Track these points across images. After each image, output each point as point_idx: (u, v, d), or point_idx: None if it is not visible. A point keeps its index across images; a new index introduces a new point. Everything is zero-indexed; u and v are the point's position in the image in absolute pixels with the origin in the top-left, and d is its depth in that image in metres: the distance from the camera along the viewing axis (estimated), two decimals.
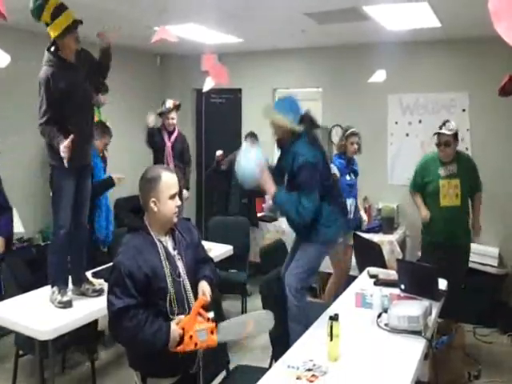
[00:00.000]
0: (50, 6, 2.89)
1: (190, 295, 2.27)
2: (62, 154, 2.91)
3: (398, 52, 5.66)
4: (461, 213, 4.19)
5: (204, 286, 2.32)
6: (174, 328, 2.11)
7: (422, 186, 4.28)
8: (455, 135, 4.11)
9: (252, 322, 2.33)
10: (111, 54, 3.28)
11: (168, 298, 2.18)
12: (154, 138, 5.31)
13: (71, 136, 2.91)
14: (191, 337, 2.10)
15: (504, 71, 4.17)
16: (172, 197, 2.24)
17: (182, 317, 2.16)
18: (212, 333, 2.14)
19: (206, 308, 2.20)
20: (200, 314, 2.16)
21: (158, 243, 2.25)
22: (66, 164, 2.93)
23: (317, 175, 3.20)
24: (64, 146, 2.89)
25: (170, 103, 5.27)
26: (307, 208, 3.13)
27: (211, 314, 2.18)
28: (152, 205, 2.23)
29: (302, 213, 3.14)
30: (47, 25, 2.95)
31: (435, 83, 5.66)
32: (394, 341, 2.61)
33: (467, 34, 5.16)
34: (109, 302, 2.14)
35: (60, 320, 2.93)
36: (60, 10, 2.92)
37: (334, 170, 4.38)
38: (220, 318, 2.73)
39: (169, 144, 5.27)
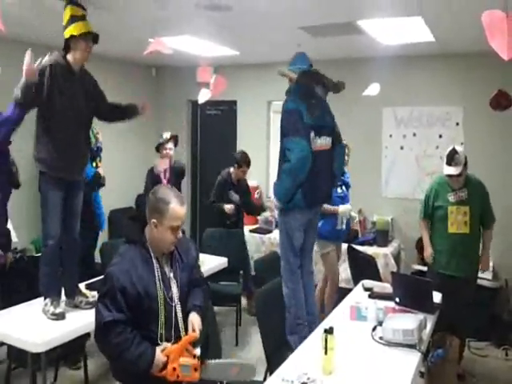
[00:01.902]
0: (73, 9, 3.02)
1: (181, 321, 2.26)
2: (24, 74, 2.78)
3: (393, 65, 5.70)
4: (470, 241, 4.00)
5: (194, 320, 2.28)
6: (159, 354, 2.11)
7: (432, 211, 4.10)
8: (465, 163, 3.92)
9: (237, 369, 2.31)
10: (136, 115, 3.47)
11: (159, 321, 2.16)
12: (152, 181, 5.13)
13: (29, 52, 2.77)
14: (174, 369, 2.12)
15: (498, 85, 4.22)
16: (174, 228, 2.20)
17: (169, 345, 2.15)
18: (195, 370, 2.15)
19: (194, 343, 2.20)
20: (187, 350, 2.16)
21: (154, 261, 2.22)
22: (24, 68, 2.76)
23: (299, 121, 3.22)
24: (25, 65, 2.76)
25: (167, 134, 5.26)
26: (292, 152, 3.18)
27: (198, 351, 2.18)
28: (152, 225, 2.20)
29: (289, 162, 3.20)
30: (64, 24, 3.04)
31: (430, 97, 5.71)
32: (389, 354, 2.60)
33: (461, 49, 5.22)
34: (98, 311, 2.12)
35: (53, 332, 2.89)
36: (81, 18, 3.05)
37: None
38: (214, 334, 2.73)
39: (164, 182, 5.10)
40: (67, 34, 3.03)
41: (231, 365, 2.33)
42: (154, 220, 2.19)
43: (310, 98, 3.37)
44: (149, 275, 2.17)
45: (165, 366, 2.11)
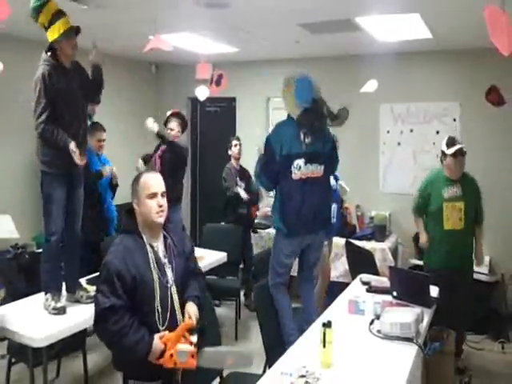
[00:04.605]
0: (48, 10, 2.95)
1: (176, 303, 2.28)
2: (73, 155, 2.99)
3: (391, 62, 5.72)
4: (464, 236, 4.04)
5: (191, 309, 2.31)
6: (157, 341, 2.13)
7: (426, 207, 4.13)
8: None
9: (233, 356, 2.33)
10: (101, 71, 3.34)
11: (154, 304, 2.19)
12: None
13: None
14: (171, 355, 2.13)
15: (494, 82, 4.24)
16: (150, 196, 2.25)
17: (167, 332, 2.18)
18: (192, 356, 2.17)
19: (191, 331, 2.22)
20: (184, 337, 2.18)
21: (148, 247, 2.26)
22: (77, 161, 3.02)
23: (270, 151, 3.41)
24: (73, 147, 2.98)
25: (169, 112, 5.05)
26: (256, 174, 3.63)
27: (194, 339, 2.20)
28: (135, 206, 2.27)
29: (256, 177, 3.71)
30: (45, 28, 2.99)
31: (427, 93, 5.73)
32: (387, 347, 2.62)
33: (458, 45, 5.24)
34: (96, 300, 2.16)
35: (54, 327, 2.92)
36: (58, 15, 2.97)
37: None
38: (213, 325, 2.75)
39: (158, 152, 4.91)
40: (50, 37, 2.98)
41: (228, 354, 2.36)
42: (135, 200, 2.27)
43: (304, 128, 3.43)
44: (143, 261, 2.21)
45: (162, 353, 2.13)
